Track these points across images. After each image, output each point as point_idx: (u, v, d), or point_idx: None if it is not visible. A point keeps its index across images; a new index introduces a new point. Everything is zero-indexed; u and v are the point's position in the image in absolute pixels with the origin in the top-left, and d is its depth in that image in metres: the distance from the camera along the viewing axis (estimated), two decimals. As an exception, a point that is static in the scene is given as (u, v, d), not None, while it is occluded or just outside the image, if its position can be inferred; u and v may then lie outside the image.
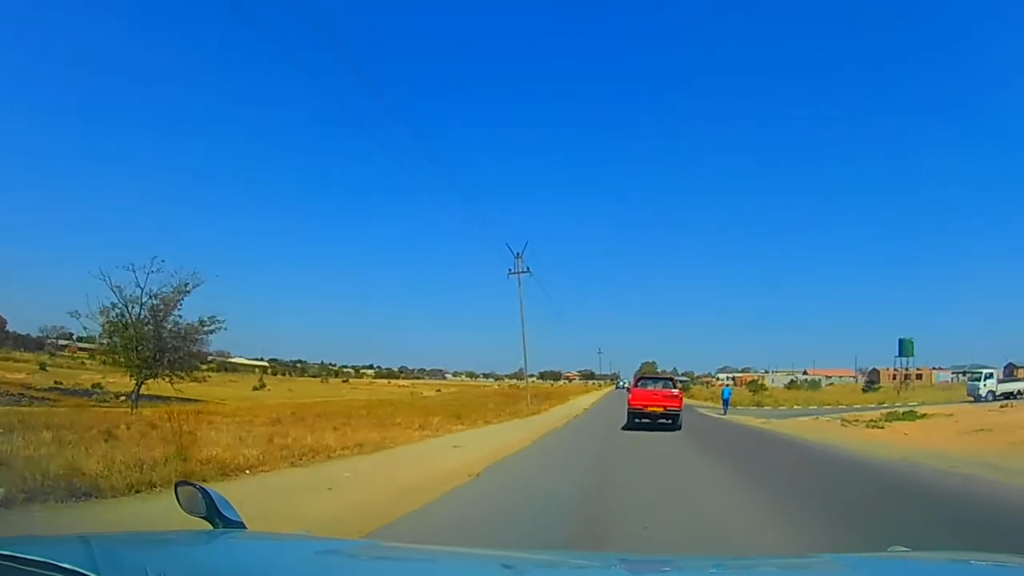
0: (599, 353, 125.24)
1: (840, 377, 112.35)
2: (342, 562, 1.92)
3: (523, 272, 36.63)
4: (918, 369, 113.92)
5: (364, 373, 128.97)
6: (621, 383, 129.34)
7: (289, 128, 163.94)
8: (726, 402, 35.19)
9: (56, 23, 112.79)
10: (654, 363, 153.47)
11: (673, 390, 22.82)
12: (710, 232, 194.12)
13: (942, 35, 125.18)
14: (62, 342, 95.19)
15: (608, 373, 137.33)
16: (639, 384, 23.97)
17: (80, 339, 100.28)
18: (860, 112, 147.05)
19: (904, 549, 2.45)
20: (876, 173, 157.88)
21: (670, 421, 21.66)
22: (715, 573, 2.10)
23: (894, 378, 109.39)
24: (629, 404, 22.52)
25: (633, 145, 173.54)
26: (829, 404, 40.27)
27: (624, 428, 21.50)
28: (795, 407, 39.97)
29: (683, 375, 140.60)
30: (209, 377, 65.69)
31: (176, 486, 2.03)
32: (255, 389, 55.84)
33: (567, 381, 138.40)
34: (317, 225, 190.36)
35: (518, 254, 36.58)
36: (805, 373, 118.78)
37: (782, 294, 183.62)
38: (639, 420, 21.88)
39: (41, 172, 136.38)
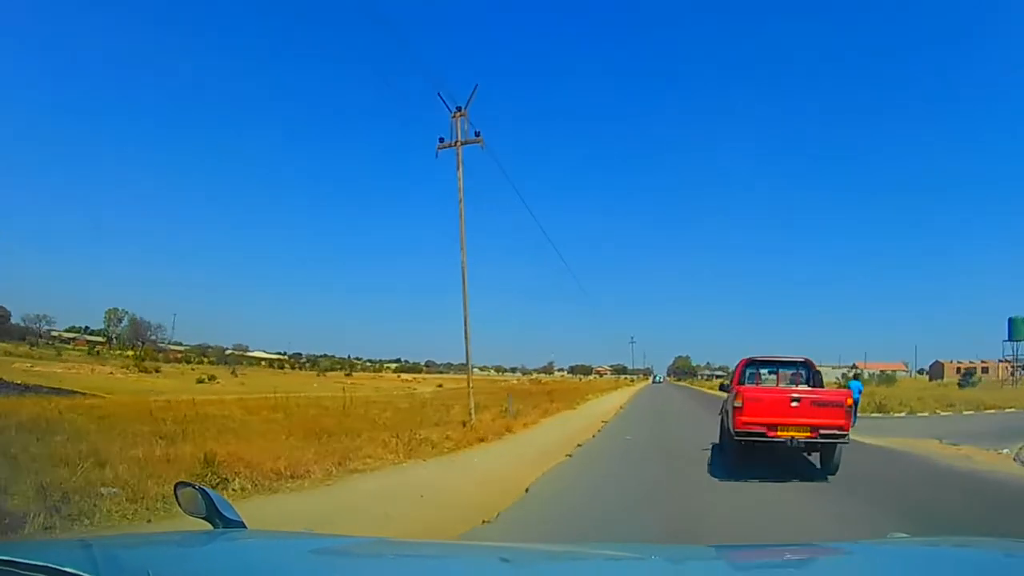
0: (631, 343, 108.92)
1: (893, 371, 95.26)
2: (344, 560, 1.83)
3: (468, 142, 17.13)
4: (983, 361, 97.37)
5: (387, 367, 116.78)
6: (657, 377, 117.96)
7: (314, 116, 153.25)
8: (856, 406, 19.57)
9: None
10: (688, 357, 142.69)
11: (828, 392, 10.34)
12: (745, 225, 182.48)
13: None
14: (67, 335, 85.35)
15: (641, 367, 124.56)
16: (746, 376, 11.13)
17: (91, 332, 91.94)
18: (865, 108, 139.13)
19: (903, 535, 2.59)
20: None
21: (822, 456, 9.86)
22: (714, 561, 2.06)
23: (957, 371, 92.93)
24: (736, 423, 9.56)
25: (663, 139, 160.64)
26: (990, 408, 24.95)
27: (724, 477, 9.59)
28: (940, 412, 24.52)
29: (717, 370, 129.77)
30: (159, 369, 55.52)
31: (176, 487, 1.96)
32: (199, 382, 44.33)
33: (598, 376, 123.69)
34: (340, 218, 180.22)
35: (458, 109, 16.80)
36: (854, 367, 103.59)
37: (819, 286, 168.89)
38: (754, 454, 9.72)
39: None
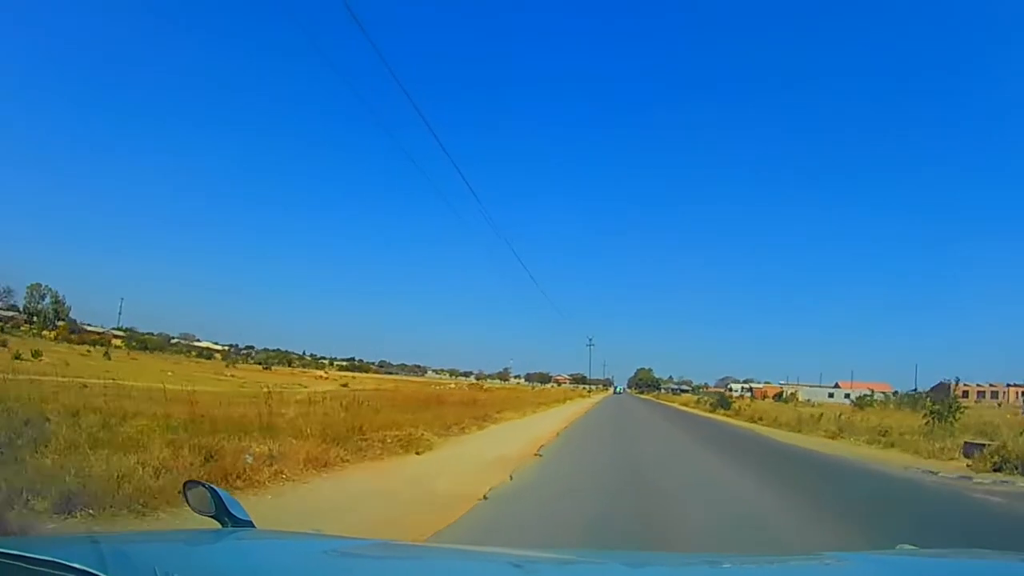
0: (590, 344, 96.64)
1: (884, 393, 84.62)
2: (352, 561, 1.80)
3: None
4: (992, 385, 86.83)
5: (337, 364, 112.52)
6: (618, 388, 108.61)
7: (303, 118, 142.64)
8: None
9: None
10: (650, 370, 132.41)
11: None
12: (712, 240, 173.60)
13: None
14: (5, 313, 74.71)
15: (601, 378, 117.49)
16: None
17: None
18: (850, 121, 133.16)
19: (912, 547, 2.41)
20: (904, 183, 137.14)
21: None
22: (726, 570, 2.01)
23: (965, 394, 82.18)
24: None
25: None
26: None
27: None
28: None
29: (682, 384, 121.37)
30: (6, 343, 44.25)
31: (185, 485, 1.93)
32: (16, 359, 33.32)
33: (556, 384, 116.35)
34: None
35: None
36: (837, 386, 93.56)
37: (797, 300, 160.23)
38: None
39: None
